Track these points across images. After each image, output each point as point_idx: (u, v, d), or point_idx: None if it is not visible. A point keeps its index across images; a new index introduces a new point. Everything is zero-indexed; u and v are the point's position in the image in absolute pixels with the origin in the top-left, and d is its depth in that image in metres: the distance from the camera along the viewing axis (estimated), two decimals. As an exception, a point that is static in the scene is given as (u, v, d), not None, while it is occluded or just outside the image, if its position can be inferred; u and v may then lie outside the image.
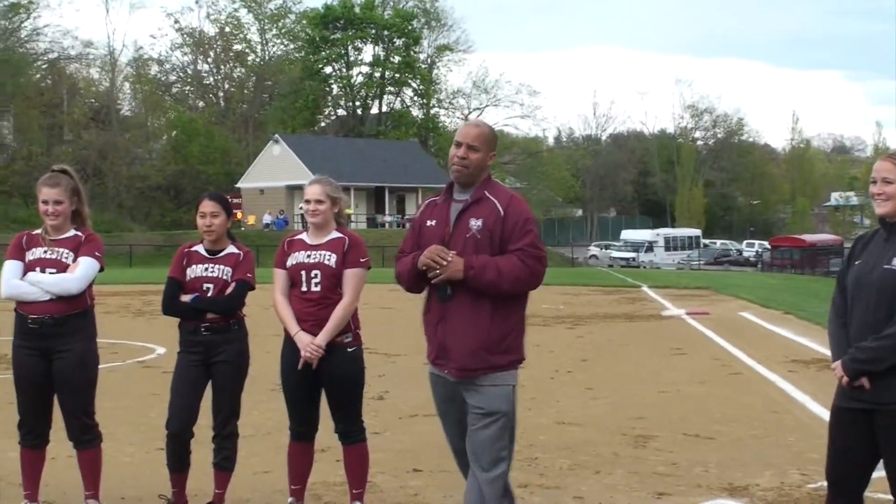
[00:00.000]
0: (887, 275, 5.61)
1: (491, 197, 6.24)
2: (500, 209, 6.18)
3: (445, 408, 6.51)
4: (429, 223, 6.39)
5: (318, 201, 7.61)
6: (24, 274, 7.45)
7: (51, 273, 7.39)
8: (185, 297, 7.67)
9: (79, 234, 7.62)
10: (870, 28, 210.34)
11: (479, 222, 6.17)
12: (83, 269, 7.47)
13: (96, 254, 7.59)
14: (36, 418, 7.62)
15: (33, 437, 7.65)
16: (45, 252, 7.48)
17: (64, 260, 7.47)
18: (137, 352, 17.96)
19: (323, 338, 7.40)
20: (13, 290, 7.47)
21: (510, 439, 6.33)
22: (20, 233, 7.79)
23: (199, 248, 7.82)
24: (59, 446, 7.91)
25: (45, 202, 7.52)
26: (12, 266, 7.49)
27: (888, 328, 5.55)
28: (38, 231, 7.64)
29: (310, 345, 7.39)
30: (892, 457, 5.68)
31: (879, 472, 5.90)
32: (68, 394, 7.56)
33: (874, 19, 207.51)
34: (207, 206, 7.76)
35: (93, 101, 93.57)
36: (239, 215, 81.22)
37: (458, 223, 6.22)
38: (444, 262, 6.03)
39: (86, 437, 7.65)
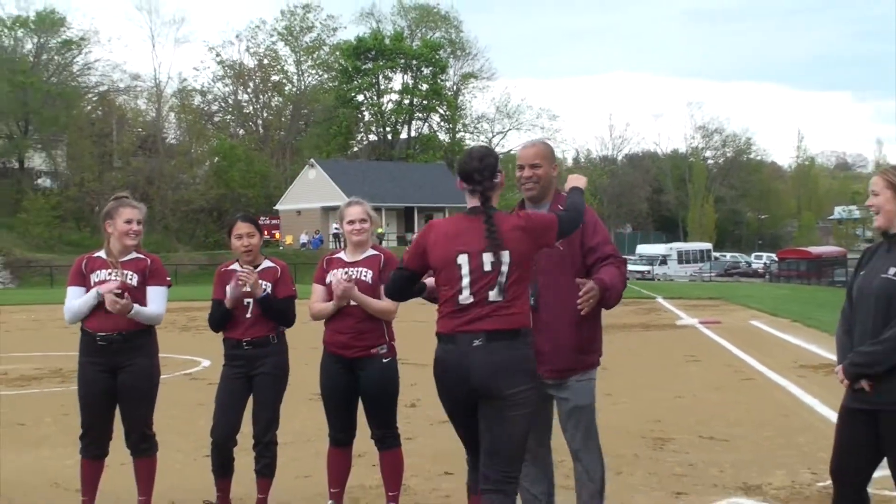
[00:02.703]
0: (885, 284, 5.64)
1: None
2: None
3: None
4: None
5: (363, 220, 7.67)
6: None
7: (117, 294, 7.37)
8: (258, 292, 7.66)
9: (140, 256, 7.61)
10: (884, 49, 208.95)
11: None
12: (163, 301, 7.60)
13: (167, 279, 7.71)
14: (100, 431, 7.59)
15: (96, 448, 7.62)
16: (110, 274, 7.45)
17: (129, 282, 7.45)
18: (184, 365, 18.00)
19: (355, 294, 7.43)
20: (73, 314, 7.48)
21: (596, 430, 6.69)
22: (80, 257, 7.75)
23: (236, 267, 7.81)
24: (112, 455, 7.91)
25: (130, 222, 7.50)
26: (74, 293, 7.48)
27: (884, 334, 5.57)
28: (100, 253, 7.61)
29: (343, 275, 7.48)
30: (894, 454, 5.68)
31: (883, 471, 5.87)
32: (133, 405, 7.56)
33: (890, 41, 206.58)
34: (243, 227, 7.76)
35: (140, 130, 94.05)
36: (277, 236, 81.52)
37: None
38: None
39: (144, 445, 7.65)
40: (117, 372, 7.46)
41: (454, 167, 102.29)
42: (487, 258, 5.63)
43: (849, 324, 5.89)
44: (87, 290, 7.45)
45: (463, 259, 5.68)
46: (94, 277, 7.46)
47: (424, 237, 5.88)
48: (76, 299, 7.45)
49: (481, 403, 5.66)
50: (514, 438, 5.67)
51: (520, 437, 5.68)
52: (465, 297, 5.66)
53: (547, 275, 6.34)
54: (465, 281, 5.66)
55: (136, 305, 7.38)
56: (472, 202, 5.81)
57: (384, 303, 7.48)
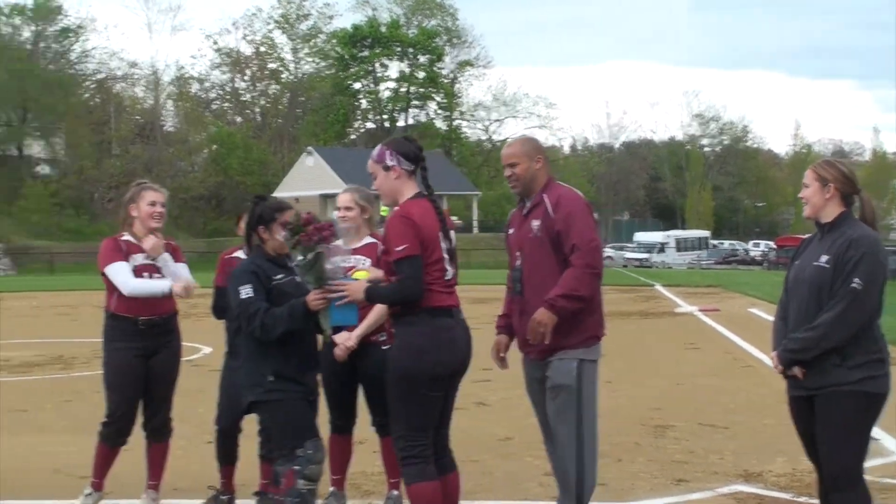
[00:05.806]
0: (816, 271, 5.78)
1: (545, 198, 6.44)
2: (550, 208, 6.36)
3: (533, 388, 6.71)
4: (510, 231, 6.72)
5: (347, 208, 7.72)
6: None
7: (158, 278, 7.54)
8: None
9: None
10: (888, 39, 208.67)
11: (538, 223, 6.40)
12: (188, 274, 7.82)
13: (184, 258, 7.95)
14: (129, 419, 7.66)
15: (119, 436, 7.67)
16: (146, 258, 7.59)
17: (158, 265, 7.62)
18: (185, 352, 17.86)
19: (356, 336, 7.41)
20: (139, 288, 7.48)
21: (580, 413, 6.44)
22: (111, 238, 7.77)
23: (240, 254, 7.75)
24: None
25: (154, 204, 7.62)
26: (125, 267, 7.51)
27: (816, 320, 5.70)
28: (127, 237, 7.66)
29: (342, 345, 7.42)
30: (823, 438, 5.84)
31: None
32: (163, 388, 7.73)
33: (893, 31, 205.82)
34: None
35: (138, 117, 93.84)
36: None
37: (523, 226, 6.53)
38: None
39: (164, 429, 7.82)
40: (151, 355, 7.61)
41: (452, 155, 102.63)
42: (442, 237, 6.17)
43: (784, 312, 6.05)
44: (130, 268, 7.50)
45: (439, 236, 6.14)
46: (131, 261, 7.52)
47: (411, 222, 6.06)
48: (132, 275, 7.47)
49: (452, 379, 6.24)
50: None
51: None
52: (449, 271, 6.16)
53: (529, 259, 6.44)
54: (446, 256, 6.15)
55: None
56: (413, 188, 6.29)
57: (380, 310, 7.30)
